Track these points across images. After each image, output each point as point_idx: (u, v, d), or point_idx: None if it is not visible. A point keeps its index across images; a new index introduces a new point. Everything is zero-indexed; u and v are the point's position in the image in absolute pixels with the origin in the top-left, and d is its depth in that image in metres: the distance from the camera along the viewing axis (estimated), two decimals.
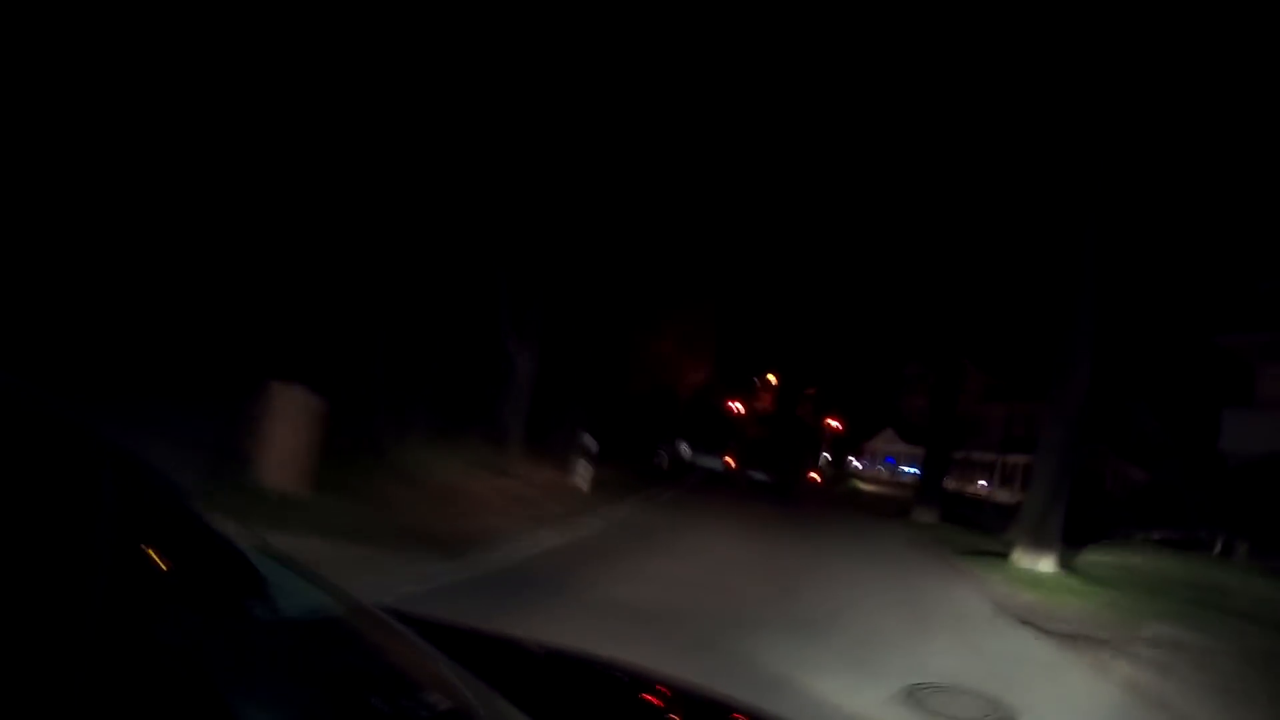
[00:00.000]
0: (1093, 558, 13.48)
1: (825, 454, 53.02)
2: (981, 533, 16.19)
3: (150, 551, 0.66)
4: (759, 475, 28.39)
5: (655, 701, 1.44)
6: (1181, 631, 8.03)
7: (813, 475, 32.06)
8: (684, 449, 40.10)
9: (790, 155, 26.56)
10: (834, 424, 49.15)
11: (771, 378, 45.14)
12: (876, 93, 20.52)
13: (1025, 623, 7.26)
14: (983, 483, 37.10)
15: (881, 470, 51.15)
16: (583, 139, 14.79)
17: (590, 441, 12.79)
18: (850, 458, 54.35)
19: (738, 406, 42.22)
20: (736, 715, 1.50)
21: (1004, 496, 32.45)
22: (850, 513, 19.75)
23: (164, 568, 0.67)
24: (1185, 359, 24.15)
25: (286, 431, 7.60)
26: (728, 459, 33.79)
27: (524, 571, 6.32)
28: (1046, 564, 10.50)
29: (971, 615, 7.43)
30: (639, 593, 5.89)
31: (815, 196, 29.33)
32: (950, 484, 36.79)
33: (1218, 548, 18.97)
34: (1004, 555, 11.25)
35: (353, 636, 0.88)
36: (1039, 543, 10.53)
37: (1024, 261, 17.98)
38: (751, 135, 24.07)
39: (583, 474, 12.78)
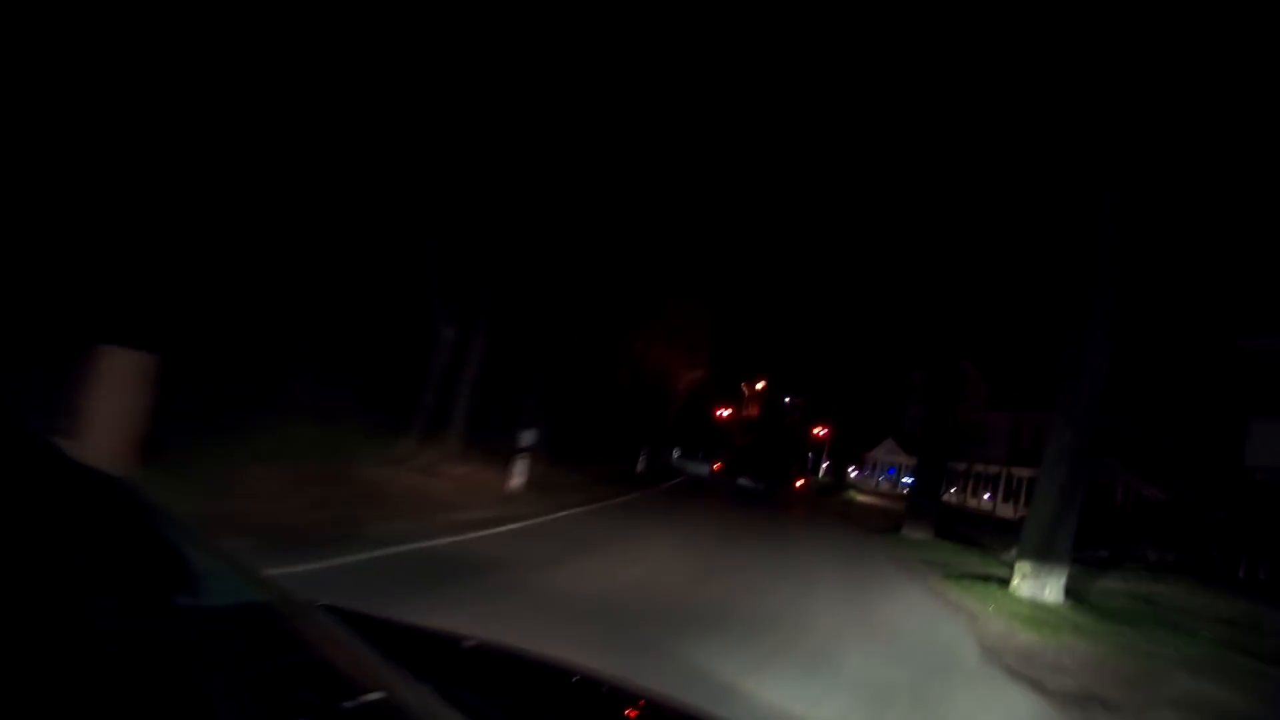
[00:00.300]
0: (1105, 585, 11.80)
1: (825, 462, 51.57)
2: (980, 552, 14.49)
3: (74, 537, 0.64)
4: (746, 482, 27.78)
5: (583, 693, 1.40)
6: (1216, 689, 6.37)
7: (799, 483, 31.29)
8: (673, 454, 38.95)
9: (784, 144, 25.15)
10: (820, 432, 47.71)
11: (760, 385, 43.76)
12: (871, 70, 19.09)
13: (1019, 675, 5.60)
14: (986, 496, 35.27)
15: (881, 481, 49.41)
16: (544, 106, 13.24)
17: (530, 437, 11.18)
18: (850, 467, 52.60)
19: (726, 413, 40.92)
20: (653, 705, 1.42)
21: (1007, 512, 30.69)
22: (836, 526, 18.05)
23: (87, 553, 0.65)
24: (1205, 364, 22.29)
25: (112, 400, 6.35)
26: (715, 465, 33.37)
27: (344, 584, 4.72)
28: (1052, 592, 8.82)
29: (952, 662, 5.78)
30: (506, 627, 4.30)
31: (810, 191, 27.90)
32: (951, 498, 35.10)
33: (1241, 573, 17.27)
34: (1002, 581, 9.58)
35: (280, 626, 0.82)
36: (1043, 567, 8.86)
37: (1030, 242, 16.40)
38: (741, 119, 22.68)
39: (519, 473, 11.18)
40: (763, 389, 44.11)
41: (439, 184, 11.20)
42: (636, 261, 22.49)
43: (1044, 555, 8.88)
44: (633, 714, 1.43)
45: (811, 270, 35.79)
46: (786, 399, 54.00)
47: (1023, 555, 9.15)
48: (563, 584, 5.95)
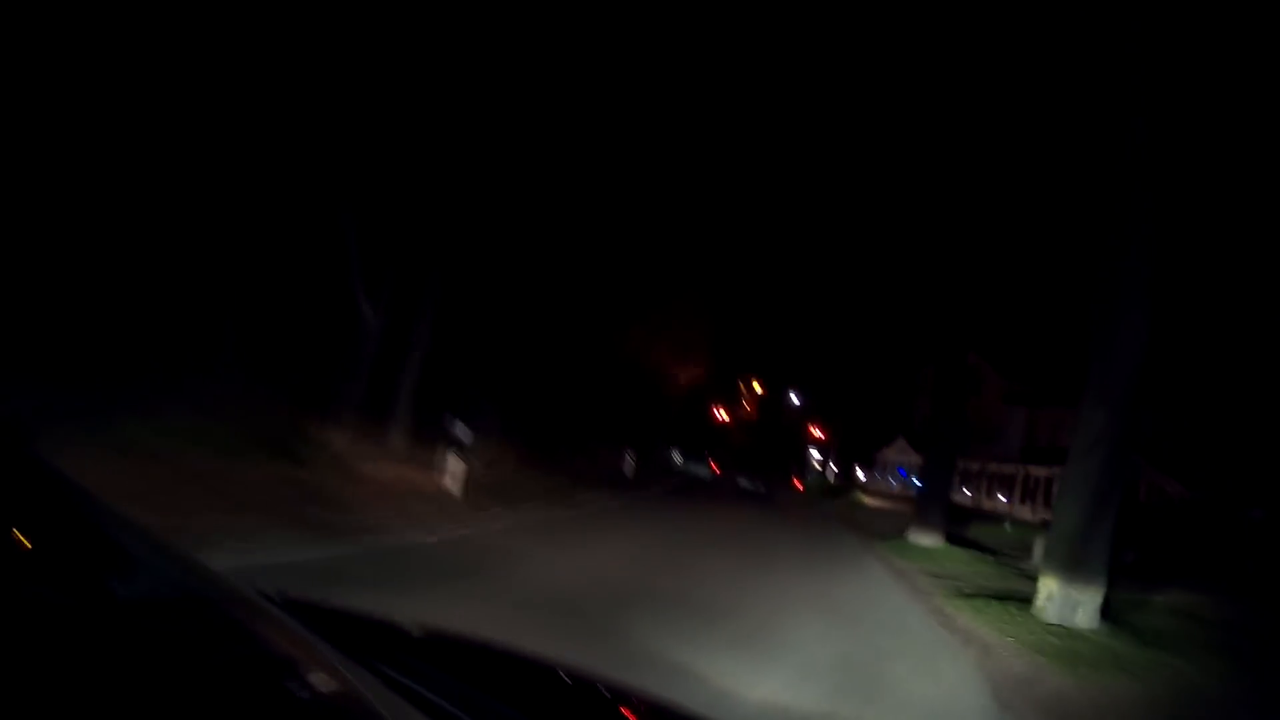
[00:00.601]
0: (1139, 598, 10.13)
1: (831, 463, 49.94)
2: (994, 561, 12.84)
3: (9, 526, 0.64)
4: (745, 482, 26.88)
5: (534, 679, 1.37)
6: None
7: (796, 482, 30.39)
8: (674, 456, 37.55)
9: (787, 129, 23.60)
10: (818, 433, 46.06)
11: (757, 385, 42.35)
12: (874, 55, 17.55)
13: None
14: (1001, 497, 33.47)
15: (892, 482, 47.56)
16: (500, 60, 11.75)
17: (464, 431, 9.67)
18: (858, 467, 50.75)
19: (724, 414, 39.54)
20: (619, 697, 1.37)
21: (1025, 513, 28.90)
22: (834, 532, 16.44)
23: (24, 544, 0.64)
24: (1233, 343, 20.25)
25: None
26: (712, 465, 32.48)
27: None
28: (1084, 615, 7.18)
29: None
30: None
31: (814, 178, 26.26)
32: (966, 499, 33.29)
33: None
34: (1023, 600, 7.94)
35: (224, 617, 0.81)
36: (1074, 584, 7.22)
37: (1044, 223, 14.81)
38: (741, 104, 21.20)
39: (453, 473, 9.66)
40: (762, 390, 42.71)
41: (357, 146, 9.71)
42: (623, 249, 20.99)
43: (1074, 569, 7.24)
44: (598, 701, 1.36)
45: (817, 263, 34.24)
46: (794, 397, 52.45)
47: (1048, 569, 7.51)
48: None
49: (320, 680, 0.74)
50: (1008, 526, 23.13)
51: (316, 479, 8.45)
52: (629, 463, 22.40)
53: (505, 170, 12.82)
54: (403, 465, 10.39)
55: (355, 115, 9.64)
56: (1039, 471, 30.16)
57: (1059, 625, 7.13)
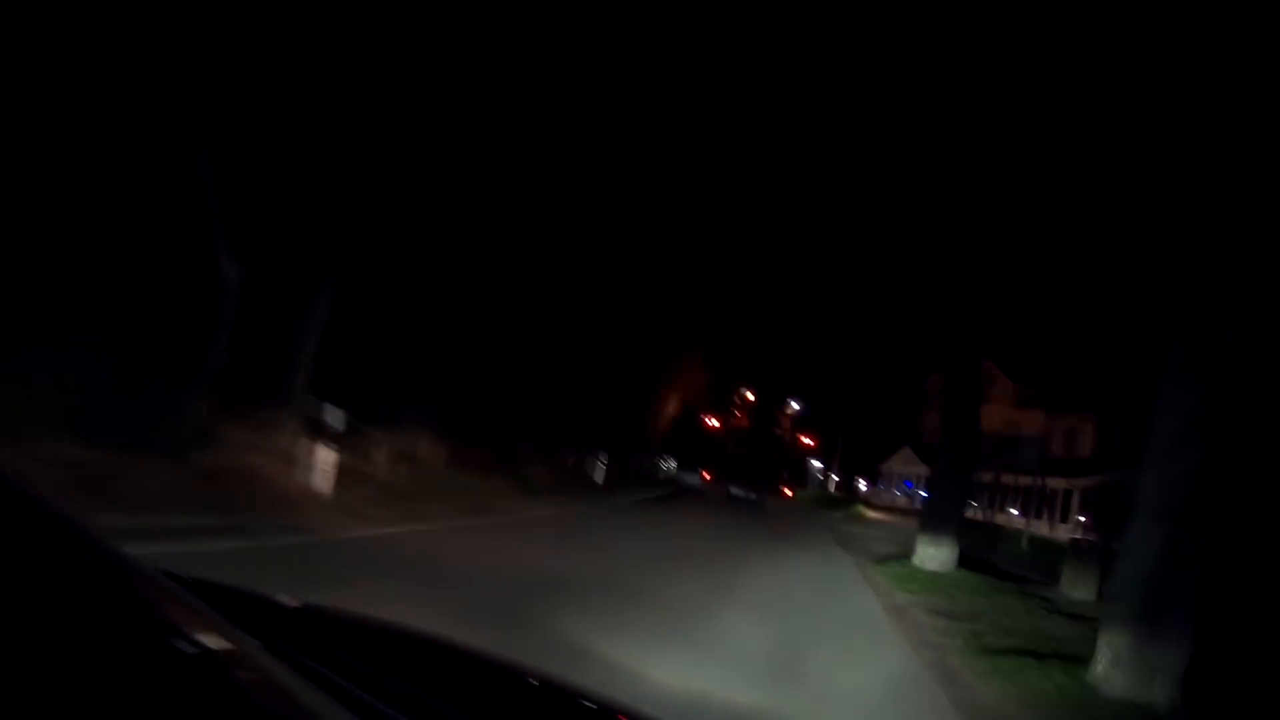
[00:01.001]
0: (1207, 648, 7.87)
1: (835, 475, 47.80)
2: (1016, 590, 10.56)
3: None
4: (738, 490, 26.05)
5: (411, 651, 1.38)
6: None
7: (786, 490, 29.61)
8: (665, 466, 35.68)
9: (784, 126, 21.62)
10: (813, 442, 44.07)
11: (752, 394, 40.61)
12: (875, 49, 15.59)
13: None
14: (1014, 511, 31.09)
15: (897, 494, 45.23)
16: None
17: (334, 417, 7.50)
18: (861, 479, 48.39)
19: (716, 423, 37.82)
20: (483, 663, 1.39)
21: (1042, 529, 26.55)
22: (828, 552, 14.19)
23: None
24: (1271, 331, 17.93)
25: None
26: (704, 473, 31.20)
27: None
28: (1164, 686, 4.92)
29: None
30: None
31: (813, 175, 24.14)
32: (976, 513, 30.93)
33: None
34: (1068, 658, 5.67)
35: (128, 591, 0.79)
36: (1153, 639, 4.93)
37: (1063, 200, 12.80)
38: (738, 98, 19.28)
39: (322, 468, 7.48)
40: (759, 399, 41.03)
41: (213, 45, 7.59)
42: (611, 241, 18.98)
43: (1153, 621, 4.97)
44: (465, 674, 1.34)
45: (818, 267, 32.31)
46: (794, 405, 50.40)
47: (1113, 620, 5.21)
48: None
49: (215, 644, 0.73)
50: (1024, 544, 20.88)
51: (132, 467, 6.31)
52: (600, 468, 20.17)
53: (452, 110, 10.85)
54: (273, 456, 8.22)
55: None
56: (1057, 483, 27.81)
57: (1128, 702, 4.89)
